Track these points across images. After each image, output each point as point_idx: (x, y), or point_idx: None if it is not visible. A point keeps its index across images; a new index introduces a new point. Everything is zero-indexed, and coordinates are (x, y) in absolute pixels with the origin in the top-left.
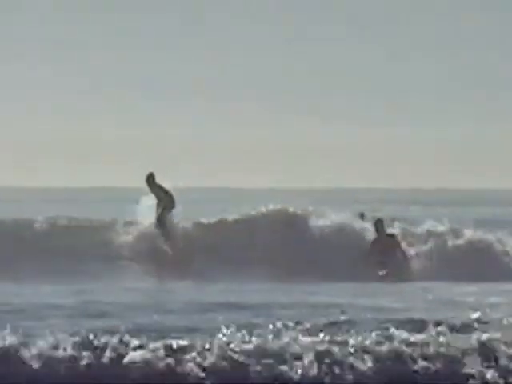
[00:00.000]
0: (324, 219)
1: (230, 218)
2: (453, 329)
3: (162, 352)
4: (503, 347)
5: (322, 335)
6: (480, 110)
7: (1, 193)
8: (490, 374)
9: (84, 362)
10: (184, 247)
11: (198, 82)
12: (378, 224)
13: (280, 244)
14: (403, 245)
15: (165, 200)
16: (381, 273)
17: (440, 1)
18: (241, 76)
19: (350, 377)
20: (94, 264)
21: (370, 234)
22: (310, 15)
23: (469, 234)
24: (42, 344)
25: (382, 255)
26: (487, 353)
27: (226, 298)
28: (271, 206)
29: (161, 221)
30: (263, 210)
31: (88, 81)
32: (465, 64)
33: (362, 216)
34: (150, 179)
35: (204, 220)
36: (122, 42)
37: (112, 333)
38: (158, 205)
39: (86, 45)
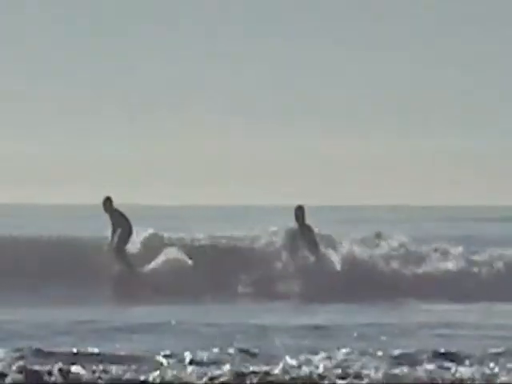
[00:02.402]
0: None
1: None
2: None
3: None
4: None
5: None
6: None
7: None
8: None
9: None
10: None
11: (191, 94)
12: (299, 211)
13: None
14: (317, 237)
15: (122, 226)
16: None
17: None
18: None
19: None
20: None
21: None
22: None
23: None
24: None
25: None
26: None
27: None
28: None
29: (118, 252)
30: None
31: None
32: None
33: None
34: (107, 203)
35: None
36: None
37: None
38: (114, 231)
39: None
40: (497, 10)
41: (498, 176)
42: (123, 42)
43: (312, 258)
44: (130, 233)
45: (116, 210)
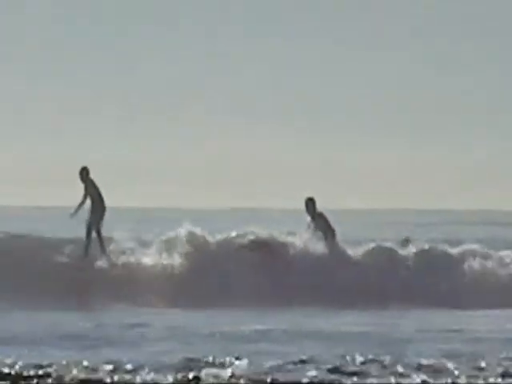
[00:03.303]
0: None
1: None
2: None
3: None
4: None
5: None
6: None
7: None
8: None
9: None
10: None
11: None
12: (309, 203)
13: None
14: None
15: (95, 200)
16: None
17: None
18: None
19: None
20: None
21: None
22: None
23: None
24: None
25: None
26: None
27: None
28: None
29: (89, 228)
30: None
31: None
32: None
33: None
34: (84, 173)
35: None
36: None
37: None
38: (83, 203)
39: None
40: (497, 9)
41: (499, 179)
42: (123, 42)
43: (330, 248)
44: (103, 212)
45: (92, 183)
